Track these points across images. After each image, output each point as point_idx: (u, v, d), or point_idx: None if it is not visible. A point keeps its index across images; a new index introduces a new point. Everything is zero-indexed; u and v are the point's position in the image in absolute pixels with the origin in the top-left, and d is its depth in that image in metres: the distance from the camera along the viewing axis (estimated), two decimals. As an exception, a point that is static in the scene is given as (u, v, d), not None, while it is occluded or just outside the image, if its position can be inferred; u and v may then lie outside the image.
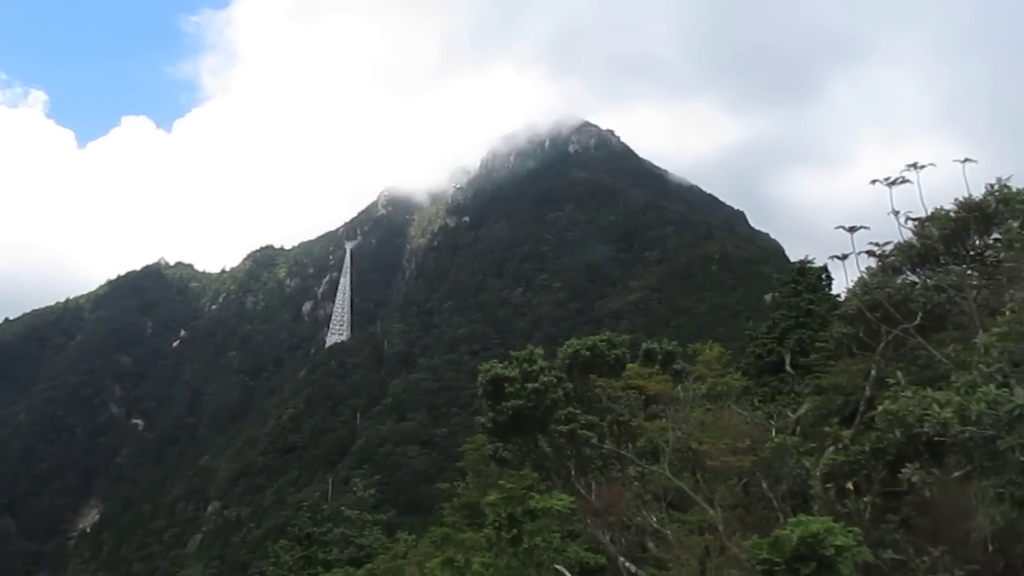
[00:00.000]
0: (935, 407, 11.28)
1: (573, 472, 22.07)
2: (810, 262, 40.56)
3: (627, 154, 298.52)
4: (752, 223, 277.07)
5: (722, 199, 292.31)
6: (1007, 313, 13.34)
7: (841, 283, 34.95)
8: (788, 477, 18.28)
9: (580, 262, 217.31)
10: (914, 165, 17.02)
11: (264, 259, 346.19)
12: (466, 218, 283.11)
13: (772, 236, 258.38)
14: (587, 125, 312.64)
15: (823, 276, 39.63)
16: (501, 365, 22.43)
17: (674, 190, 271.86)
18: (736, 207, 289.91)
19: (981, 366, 12.24)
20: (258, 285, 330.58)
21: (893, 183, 17.10)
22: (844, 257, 18.63)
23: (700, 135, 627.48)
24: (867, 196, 17.91)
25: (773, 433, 19.69)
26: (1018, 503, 11.38)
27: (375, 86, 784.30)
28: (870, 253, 19.10)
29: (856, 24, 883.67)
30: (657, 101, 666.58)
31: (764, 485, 18.52)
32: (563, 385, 22.36)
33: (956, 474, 12.92)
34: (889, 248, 19.08)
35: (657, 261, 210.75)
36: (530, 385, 21.47)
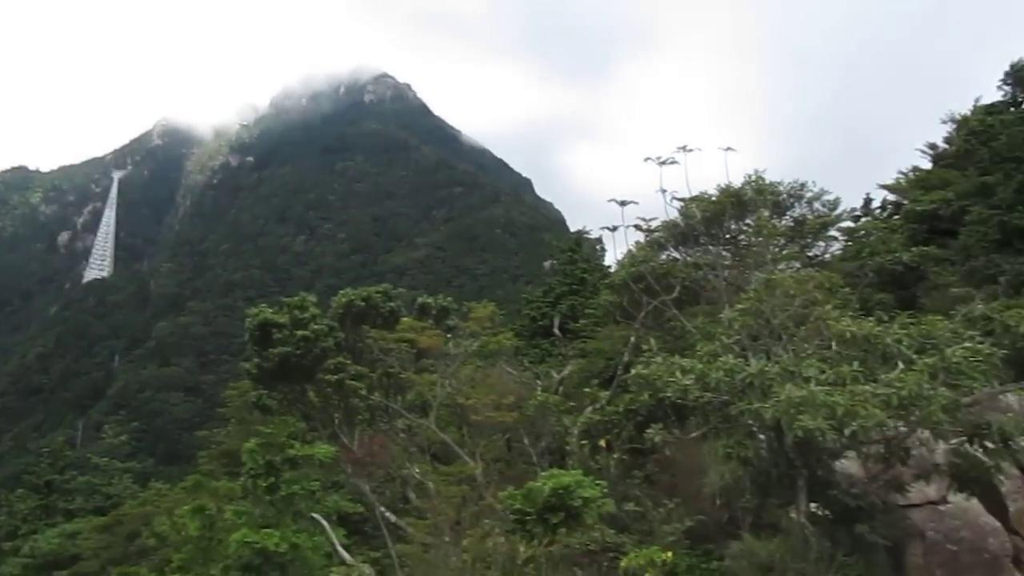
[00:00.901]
0: (679, 373, 12.21)
1: (338, 422, 21.90)
2: (587, 233, 42.53)
3: (423, 110, 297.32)
4: (538, 191, 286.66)
5: (512, 165, 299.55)
6: (750, 292, 14.60)
7: (614, 254, 37.02)
8: (548, 434, 19.22)
9: (367, 214, 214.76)
10: (683, 148, 18.28)
11: (15, 181, 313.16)
12: (250, 158, 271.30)
13: (556, 206, 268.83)
14: (385, 76, 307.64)
15: (598, 247, 41.57)
16: (271, 310, 21.82)
17: (466, 152, 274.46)
18: (524, 175, 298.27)
19: (723, 338, 13.39)
20: (6, 209, 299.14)
21: (664, 163, 18.30)
22: (614, 229, 19.77)
23: (498, 101, 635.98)
24: (644, 176, 19.03)
25: (538, 392, 20.56)
26: (743, 462, 12.59)
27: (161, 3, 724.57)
28: (638, 227, 20.38)
29: (651, 17, 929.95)
30: (461, 63, 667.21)
31: (526, 440, 19.34)
32: (334, 334, 22.12)
33: (694, 435, 14.10)
34: (656, 224, 20.45)
35: (444, 220, 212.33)
36: (300, 332, 21.07)
